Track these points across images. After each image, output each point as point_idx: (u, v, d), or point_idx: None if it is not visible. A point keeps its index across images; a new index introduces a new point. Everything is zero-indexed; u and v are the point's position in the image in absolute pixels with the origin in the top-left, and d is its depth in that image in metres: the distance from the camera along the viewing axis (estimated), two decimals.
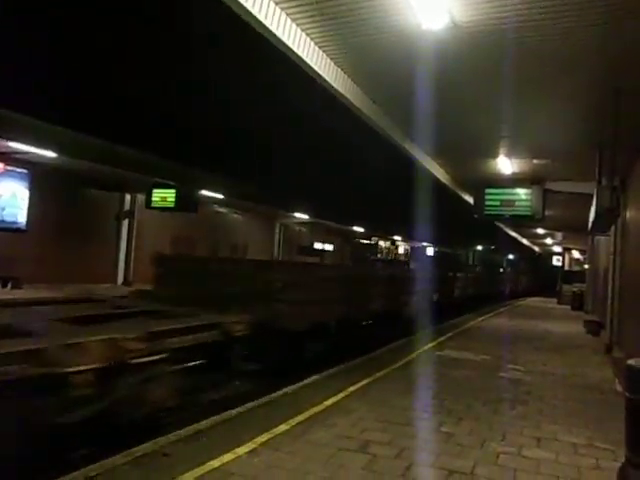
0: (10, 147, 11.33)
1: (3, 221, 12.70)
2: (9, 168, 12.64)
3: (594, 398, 7.10)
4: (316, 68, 6.56)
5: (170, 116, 10.69)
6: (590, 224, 9.84)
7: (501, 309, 23.31)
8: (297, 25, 5.90)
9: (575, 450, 4.90)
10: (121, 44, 8.68)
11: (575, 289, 25.57)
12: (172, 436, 4.66)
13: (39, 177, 13.35)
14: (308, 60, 6.33)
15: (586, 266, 23.94)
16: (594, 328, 14.55)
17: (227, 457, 4.25)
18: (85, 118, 9.88)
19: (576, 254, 32.88)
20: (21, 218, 13.12)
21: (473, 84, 7.42)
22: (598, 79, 6.85)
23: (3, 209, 12.67)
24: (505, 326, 16.15)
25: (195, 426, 4.96)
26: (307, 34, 6.12)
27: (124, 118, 10.27)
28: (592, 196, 9.78)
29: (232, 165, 13.70)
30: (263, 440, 4.67)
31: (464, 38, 5.92)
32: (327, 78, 6.86)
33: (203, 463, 4.09)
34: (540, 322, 18.06)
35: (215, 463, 4.11)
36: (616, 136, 7.48)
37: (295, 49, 6.04)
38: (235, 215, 21.42)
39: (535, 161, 11.32)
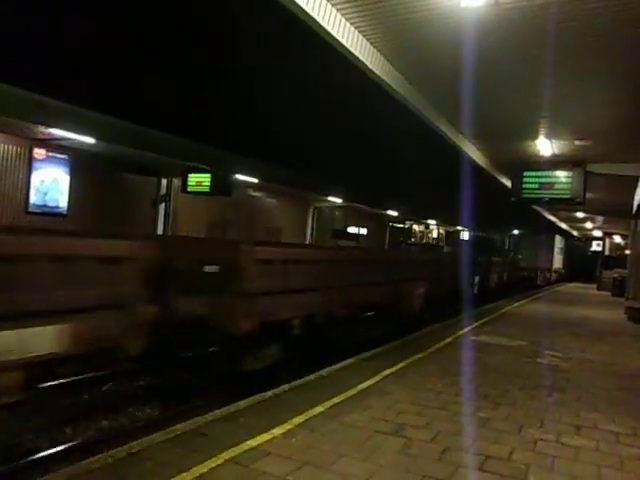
0: (51, 134, 11.60)
1: (46, 205, 13.08)
2: (50, 154, 12.99)
3: (636, 387, 6.90)
4: (352, 49, 6.46)
5: (208, 101, 10.76)
6: (635, 207, 9.51)
7: (538, 294, 22.87)
8: (332, 5, 5.82)
9: (617, 439, 4.79)
10: (168, 36, 8.74)
11: (616, 275, 24.84)
12: (209, 416, 4.77)
13: (79, 162, 13.65)
14: (343, 41, 6.24)
15: (628, 251, 23.16)
16: (636, 315, 14.14)
17: (263, 437, 4.31)
18: (121, 103, 10.02)
19: (617, 239, 31.81)
20: (62, 203, 13.51)
21: (513, 63, 7.19)
22: None
23: (45, 194, 13.05)
24: (542, 312, 15.85)
25: (232, 406, 5.06)
26: (342, 14, 6.03)
27: (163, 104, 10.36)
28: (637, 178, 9.44)
29: (266, 149, 13.71)
30: (299, 421, 4.72)
31: (504, 15, 5.74)
32: (363, 59, 6.76)
33: (241, 442, 4.17)
34: (579, 308, 17.67)
35: (252, 443, 4.19)
36: None
37: (330, 30, 5.96)
38: (269, 199, 21.54)
39: (577, 142, 10.95)
